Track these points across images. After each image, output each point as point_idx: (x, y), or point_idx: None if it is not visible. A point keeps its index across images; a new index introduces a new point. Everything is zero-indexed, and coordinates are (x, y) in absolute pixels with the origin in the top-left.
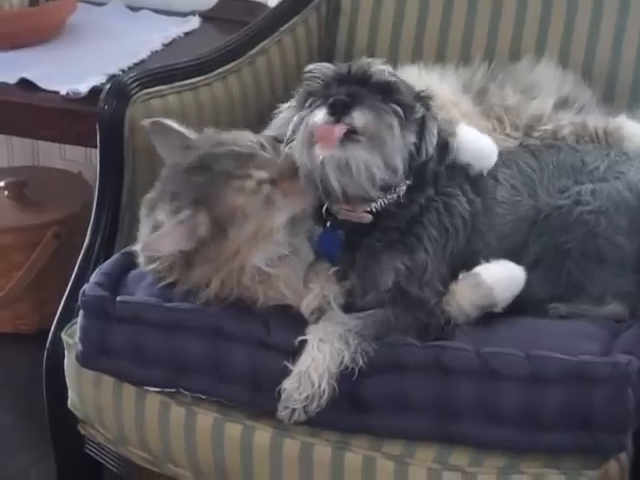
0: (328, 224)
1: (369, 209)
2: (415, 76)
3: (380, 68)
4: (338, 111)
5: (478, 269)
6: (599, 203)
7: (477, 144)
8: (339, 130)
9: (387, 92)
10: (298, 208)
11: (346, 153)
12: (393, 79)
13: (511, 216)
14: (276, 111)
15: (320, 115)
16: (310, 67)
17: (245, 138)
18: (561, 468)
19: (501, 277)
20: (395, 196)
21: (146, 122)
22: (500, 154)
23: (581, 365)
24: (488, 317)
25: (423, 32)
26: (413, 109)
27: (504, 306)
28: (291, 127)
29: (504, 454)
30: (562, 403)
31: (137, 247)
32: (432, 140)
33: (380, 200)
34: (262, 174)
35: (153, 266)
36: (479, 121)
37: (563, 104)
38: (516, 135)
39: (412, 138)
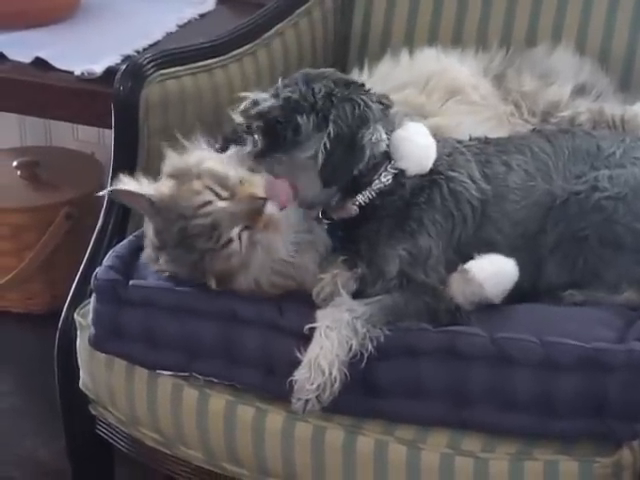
0: (324, 222)
1: (357, 203)
2: (433, 58)
3: (261, 98)
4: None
5: (469, 265)
6: (617, 189)
7: (412, 148)
8: (285, 189)
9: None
10: (284, 230)
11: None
12: (264, 110)
13: (525, 201)
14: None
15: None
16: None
17: (197, 196)
18: (574, 455)
19: (491, 273)
20: (379, 187)
21: (106, 193)
22: (513, 139)
23: (595, 352)
24: (503, 303)
25: (439, 17)
26: (299, 126)
27: (499, 300)
28: None
29: (517, 440)
30: (576, 390)
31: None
32: (322, 148)
33: (366, 193)
34: (236, 230)
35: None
36: (498, 105)
37: (580, 91)
38: (533, 121)
39: (308, 153)
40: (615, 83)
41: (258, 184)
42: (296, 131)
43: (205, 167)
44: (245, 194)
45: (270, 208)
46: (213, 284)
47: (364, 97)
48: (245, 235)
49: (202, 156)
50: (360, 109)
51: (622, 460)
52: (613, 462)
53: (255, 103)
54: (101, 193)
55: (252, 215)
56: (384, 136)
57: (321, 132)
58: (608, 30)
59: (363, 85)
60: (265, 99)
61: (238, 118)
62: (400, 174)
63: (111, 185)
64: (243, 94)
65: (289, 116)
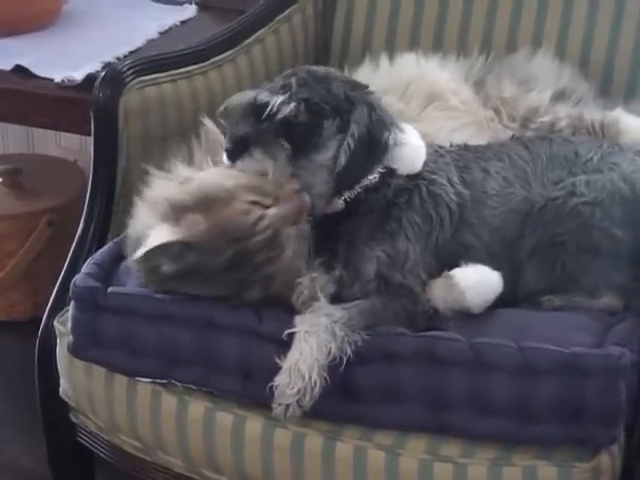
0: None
1: (343, 198)
2: (413, 63)
3: (274, 100)
4: (231, 157)
5: (454, 271)
6: (594, 194)
7: (405, 148)
8: None
9: (281, 122)
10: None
11: None
12: (286, 112)
13: (503, 208)
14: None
15: (224, 159)
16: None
17: (247, 215)
18: (553, 460)
19: (475, 283)
20: (366, 183)
21: (134, 258)
22: (491, 146)
23: (573, 357)
24: None
25: (420, 22)
26: (321, 128)
27: (479, 311)
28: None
29: (496, 446)
30: (554, 395)
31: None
32: (345, 150)
33: (354, 189)
34: (288, 230)
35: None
36: (478, 110)
37: (560, 97)
38: (513, 126)
39: (326, 155)
40: (595, 89)
41: (290, 179)
42: (319, 134)
43: (235, 184)
44: (287, 193)
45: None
46: (257, 293)
47: (376, 99)
48: (294, 231)
49: (209, 177)
50: (377, 111)
51: (601, 465)
52: (592, 467)
53: (275, 108)
54: (131, 261)
55: (300, 211)
56: (400, 138)
57: (341, 134)
58: (588, 36)
59: (368, 87)
60: (285, 102)
61: (244, 125)
62: (387, 173)
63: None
64: (261, 98)
65: (315, 120)
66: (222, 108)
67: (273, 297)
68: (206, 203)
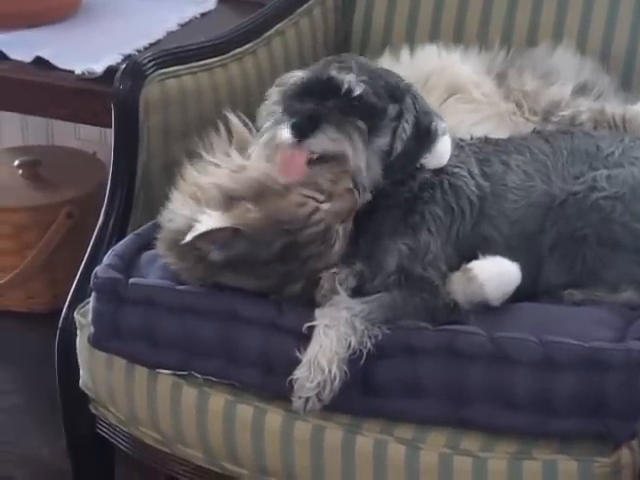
0: None
1: (372, 190)
2: (434, 55)
3: (348, 78)
4: (299, 133)
5: (472, 264)
6: (615, 189)
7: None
8: (299, 159)
9: (354, 102)
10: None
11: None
12: (360, 90)
13: (523, 201)
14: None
15: (282, 136)
16: (282, 76)
17: (301, 207)
18: (573, 454)
19: (494, 274)
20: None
21: (186, 241)
22: (512, 140)
23: (594, 351)
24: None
25: (440, 15)
26: (385, 112)
27: (498, 303)
28: (262, 141)
29: (516, 439)
30: (575, 389)
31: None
32: (402, 136)
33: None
34: (338, 227)
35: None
36: (500, 103)
37: (581, 90)
38: (534, 120)
39: (385, 140)
40: (616, 82)
41: (344, 176)
42: (382, 118)
43: (295, 181)
44: (341, 190)
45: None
46: (298, 288)
47: (417, 90)
48: (341, 228)
49: (262, 168)
50: (420, 102)
51: (621, 460)
52: (612, 462)
53: (350, 86)
54: (184, 242)
55: (351, 209)
56: (444, 127)
57: (396, 121)
58: (609, 29)
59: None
60: (357, 82)
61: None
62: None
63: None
64: (331, 74)
65: (381, 103)
66: (279, 82)
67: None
68: (260, 193)
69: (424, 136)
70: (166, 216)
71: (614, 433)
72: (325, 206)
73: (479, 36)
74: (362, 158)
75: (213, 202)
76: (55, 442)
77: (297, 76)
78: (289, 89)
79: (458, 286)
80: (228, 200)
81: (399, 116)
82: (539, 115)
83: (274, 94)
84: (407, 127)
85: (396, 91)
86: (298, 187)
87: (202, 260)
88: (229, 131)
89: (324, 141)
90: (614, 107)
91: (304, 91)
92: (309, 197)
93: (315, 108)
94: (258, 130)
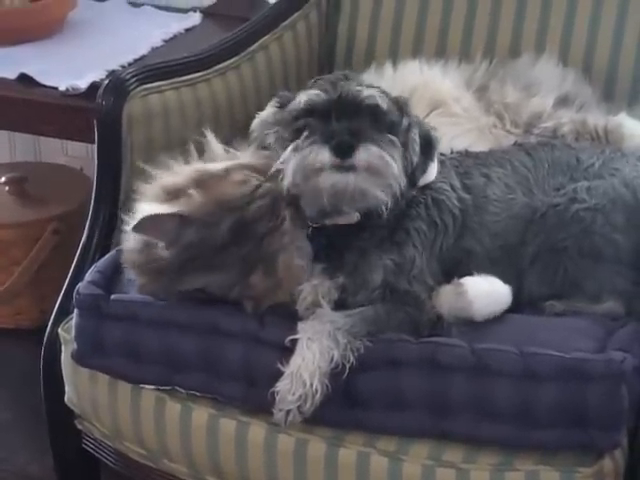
0: (310, 229)
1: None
2: (416, 71)
3: (371, 93)
4: (342, 153)
5: (465, 280)
6: (595, 200)
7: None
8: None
9: (378, 116)
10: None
11: (348, 183)
12: (383, 104)
13: (505, 214)
14: (255, 120)
15: (323, 156)
16: (302, 97)
17: (245, 184)
18: (555, 465)
19: (484, 293)
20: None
21: (132, 227)
22: (493, 153)
23: (575, 362)
24: None
25: (423, 28)
26: (400, 125)
27: (482, 320)
28: (284, 157)
29: (498, 451)
30: (556, 400)
31: None
32: (415, 148)
33: None
34: (284, 208)
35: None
36: (480, 117)
37: (563, 102)
38: (516, 132)
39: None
40: (598, 93)
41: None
42: (398, 131)
43: (228, 164)
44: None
45: None
46: (261, 278)
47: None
48: (287, 212)
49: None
50: (413, 115)
51: (603, 470)
52: (594, 472)
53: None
54: (129, 229)
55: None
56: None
57: (407, 133)
58: (591, 40)
59: None
60: (382, 98)
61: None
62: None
63: (95, 203)
64: (354, 90)
65: (398, 116)
66: (301, 103)
67: (276, 303)
68: (201, 180)
69: (428, 146)
70: (123, 238)
71: (596, 443)
72: (267, 184)
73: (462, 47)
74: (397, 172)
75: (156, 199)
76: (43, 458)
77: (311, 95)
78: (304, 109)
79: (446, 299)
80: (172, 194)
81: (409, 128)
82: (521, 127)
83: (274, 114)
84: (417, 139)
85: (402, 105)
86: (238, 170)
87: (161, 271)
88: (202, 150)
89: (366, 158)
90: (596, 118)
91: (327, 110)
92: (253, 177)
93: (354, 125)
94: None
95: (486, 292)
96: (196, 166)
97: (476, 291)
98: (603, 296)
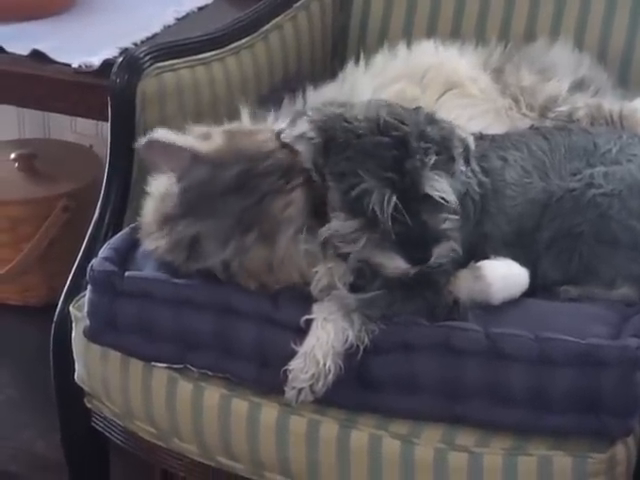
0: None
1: None
2: (431, 51)
3: (431, 183)
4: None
5: (483, 263)
6: (612, 186)
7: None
8: None
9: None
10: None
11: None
12: (443, 194)
13: (521, 198)
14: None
15: (397, 264)
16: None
17: (259, 141)
18: (568, 450)
19: (502, 277)
20: None
21: (139, 143)
22: (510, 136)
23: (590, 348)
24: None
25: (438, 10)
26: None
27: (499, 303)
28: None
29: (511, 435)
30: (570, 386)
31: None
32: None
33: None
34: (299, 179)
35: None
36: (497, 98)
37: (579, 86)
38: (532, 115)
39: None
40: (613, 79)
41: None
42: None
43: (263, 127)
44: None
45: None
46: (254, 241)
47: None
48: (302, 190)
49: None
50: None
51: (616, 456)
52: (607, 458)
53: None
54: (137, 145)
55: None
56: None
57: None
58: (606, 26)
59: None
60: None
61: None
62: None
63: (107, 181)
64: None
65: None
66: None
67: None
68: (228, 131)
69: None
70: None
71: (610, 430)
72: (288, 152)
73: (476, 31)
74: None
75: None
76: (50, 435)
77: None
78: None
79: (465, 283)
80: (201, 136)
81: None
82: (536, 111)
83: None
84: (462, 163)
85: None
86: (265, 132)
87: (167, 219)
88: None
89: (448, 189)
90: (611, 103)
91: (375, 152)
92: (275, 141)
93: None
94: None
95: (504, 275)
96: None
97: (494, 274)
98: (618, 282)
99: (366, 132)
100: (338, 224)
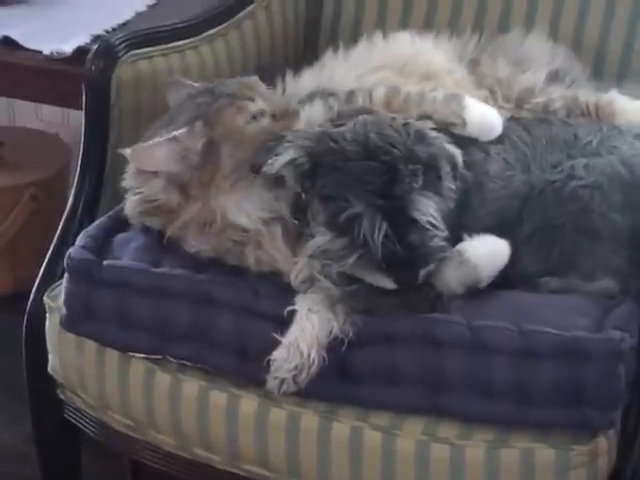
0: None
1: None
2: (407, 42)
3: (418, 207)
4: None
5: (461, 246)
6: (593, 178)
7: (483, 117)
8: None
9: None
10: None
11: None
12: (430, 219)
13: (504, 191)
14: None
15: (384, 284)
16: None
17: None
18: (550, 443)
19: (484, 253)
20: None
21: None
22: None
23: (574, 340)
24: (480, 290)
25: (411, 2)
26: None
27: (489, 281)
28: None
29: (493, 427)
30: (553, 378)
31: (126, 152)
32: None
33: None
34: (265, 105)
35: (139, 197)
36: (472, 90)
37: (554, 78)
38: (508, 107)
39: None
40: (588, 70)
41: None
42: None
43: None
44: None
45: None
46: (198, 147)
47: None
48: (265, 118)
49: None
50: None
51: (598, 448)
52: (589, 450)
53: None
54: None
55: (282, 113)
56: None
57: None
58: (581, 17)
59: None
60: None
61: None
62: None
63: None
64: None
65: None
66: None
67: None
68: None
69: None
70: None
71: (592, 422)
72: (265, 121)
73: (450, 22)
74: None
75: None
76: (15, 427)
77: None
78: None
79: (452, 272)
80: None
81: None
82: (512, 102)
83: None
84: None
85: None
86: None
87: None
88: None
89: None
90: (587, 95)
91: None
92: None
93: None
94: None
95: (485, 252)
96: None
97: (476, 254)
98: (598, 274)
99: (354, 156)
100: (324, 240)
